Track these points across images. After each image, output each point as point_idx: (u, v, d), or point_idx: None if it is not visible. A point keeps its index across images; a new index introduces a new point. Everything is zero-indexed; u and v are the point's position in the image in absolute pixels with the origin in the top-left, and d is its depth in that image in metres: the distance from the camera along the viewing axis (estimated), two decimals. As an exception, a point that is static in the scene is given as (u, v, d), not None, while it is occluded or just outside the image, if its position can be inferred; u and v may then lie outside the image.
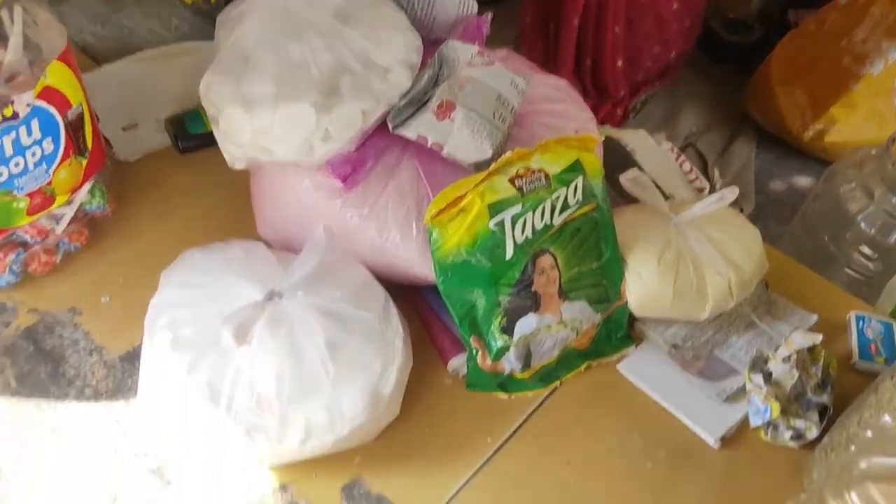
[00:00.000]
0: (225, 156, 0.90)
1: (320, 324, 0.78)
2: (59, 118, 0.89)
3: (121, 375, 0.90)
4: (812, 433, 0.88)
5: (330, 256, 0.81)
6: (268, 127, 0.83)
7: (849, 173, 1.46)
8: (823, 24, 1.93)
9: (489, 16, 1.01)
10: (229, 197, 1.09)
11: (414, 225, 0.88)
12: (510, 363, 0.90)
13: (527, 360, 0.91)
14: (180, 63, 1.27)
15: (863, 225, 1.40)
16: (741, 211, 1.74)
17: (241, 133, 0.85)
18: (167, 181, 1.11)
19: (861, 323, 1.01)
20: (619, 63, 1.85)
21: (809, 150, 2.00)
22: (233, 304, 0.78)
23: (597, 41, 1.79)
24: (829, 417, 0.89)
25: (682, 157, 1.23)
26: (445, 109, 0.87)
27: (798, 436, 0.89)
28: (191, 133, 1.15)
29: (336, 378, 0.78)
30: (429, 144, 0.87)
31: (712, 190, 1.11)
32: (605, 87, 1.88)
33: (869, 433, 0.79)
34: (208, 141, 1.10)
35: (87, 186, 0.98)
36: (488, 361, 0.90)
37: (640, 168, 1.10)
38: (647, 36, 1.83)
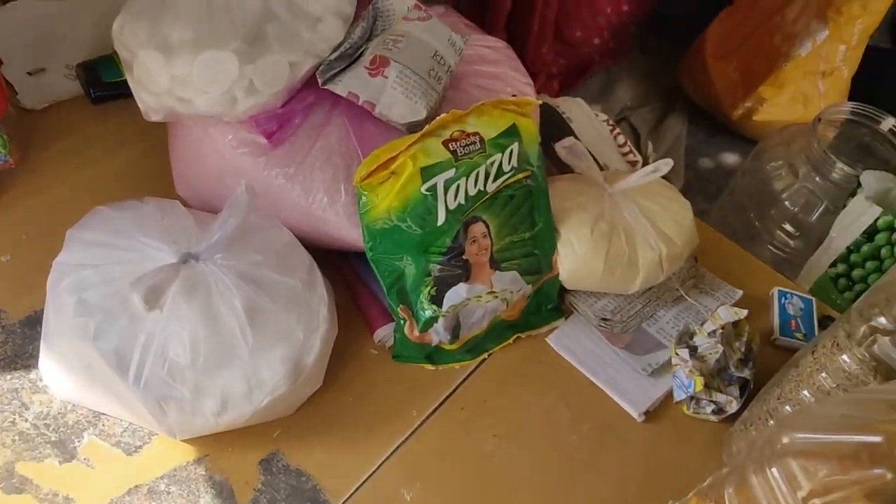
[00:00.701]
0: (140, 105, 0.84)
1: (239, 288, 0.74)
2: (-50, 56, 0.81)
3: (21, 341, 0.84)
4: (732, 407, 0.89)
5: (252, 217, 0.76)
6: (186, 75, 0.78)
7: (776, 151, 1.48)
8: (757, 0, 1.95)
9: (427, -30, 0.97)
10: (145, 152, 1.03)
11: (342, 187, 0.84)
12: (438, 334, 0.88)
13: (455, 332, 0.89)
14: (94, 4, 1.18)
15: (787, 203, 1.43)
16: (670, 185, 1.76)
17: (158, 81, 0.79)
18: (77, 132, 1.04)
19: (783, 299, 1.02)
20: (544, 49, 1.84)
21: (738, 128, 2.04)
22: (145, 265, 0.73)
23: (524, 26, 1.77)
24: (749, 392, 0.91)
25: (617, 130, 1.22)
26: (379, 65, 0.83)
27: (719, 410, 0.90)
28: (105, 81, 1.07)
29: (255, 346, 0.74)
30: (360, 102, 0.83)
31: (645, 164, 1.11)
32: (532, 71, 1.87)
33: (788, 408, 0.80)
34: (123, 91, 1.03)
35: (-15, 134, 0.90)
36: (416, 332, 0.87)
37: (575, 137, 1.09)
38: (579, 22, 1.83)
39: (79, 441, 0.77)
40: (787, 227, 1.46)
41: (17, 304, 0.86)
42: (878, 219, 1.22)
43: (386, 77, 0.83)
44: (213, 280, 0.74)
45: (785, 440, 0.64)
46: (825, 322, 1.02)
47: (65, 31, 1.13)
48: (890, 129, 1.36)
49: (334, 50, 0.85)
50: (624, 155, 1.20)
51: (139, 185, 0.93)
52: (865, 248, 1.25)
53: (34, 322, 0.85)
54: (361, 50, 0.86)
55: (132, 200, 0.82)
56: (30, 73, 1.08)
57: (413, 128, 0.85)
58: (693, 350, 0.90)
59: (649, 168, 0.94)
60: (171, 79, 0.79)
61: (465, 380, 0.90)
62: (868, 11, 1.79)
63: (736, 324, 0.93)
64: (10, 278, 0.88)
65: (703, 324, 0.92)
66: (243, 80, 0.79)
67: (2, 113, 0.93)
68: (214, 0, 0.78)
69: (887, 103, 1.42)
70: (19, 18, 1.14)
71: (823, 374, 0.77)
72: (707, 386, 0.88)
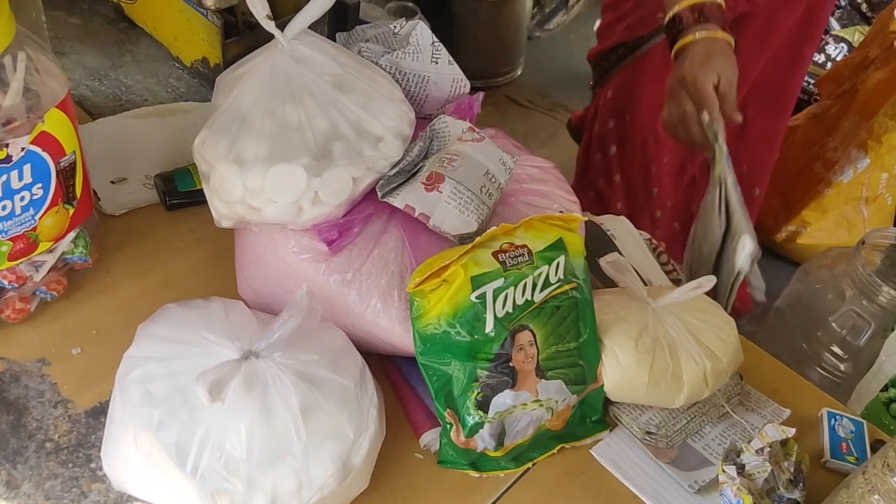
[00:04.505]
0: (213, 213, 0.90)
1: (295, 386, 0.77)
2: (51, 164, 0.89)
3: (84, 430, 0.88)
4: (783, 529, 0.87)
5: (309, 319, 0.80)
6: (259, 186, 0.84)
7: (821, 273, 1.50)
8: (797, 130, 2.01)
9: (481, 95, 1.05)
10: (212, 256, 1.08)
11: (396, 293, 0.88)
12: (484, 441, 0.89)
13: (500, 439, 0.90)
14: (174, 121, 1.29)
15: (834, 325, 1.43)
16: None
17: (232, 190, 0.86)
18: (151, 236, 1.11)
19: (833, 420, 1.01)
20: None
21: (782, 251, 2.05)
22: (209, 360, 0.77)
23: None
24: (800, 514, 0.89)
25: (660, 249, 1.26)
26: (434, 181, 0.89)
27: (769, 531, 0.88)
28: (180, 190, 1.15)
29: (307, 443, 0.76)
30: (416, 214, 0.89)
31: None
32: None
33: (841, 530, 0.79)
34: (196, 199, 1.12)
35: (70, 235, 0.98)
36: (462, 437, 0.88)
37: (619, 253, 1.12)
38: None
39: (132, 531, 0.79)
40: (836, 349, 1.44)
41: (85, 394, 0.90)
42: (928, 343, 1.21)
43: (440, 192, 0.89)
44: (271, 377, 0.77)
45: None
46: (877, 446, 1.00)
47: (146, 145, 1.24)
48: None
49: (394, 166, 0.91)
50: (668, 273, 1.22)
51: (205, 287, 0.98)
52: (917, 372, 1.24)
53: (99, 413, 0.88)
54: (419, 167, 0.93)
55: (199, 299, 0.87)
56: (113, 182, 1.17)
57: (464, 240, 0.89)
58: (741, 468, 0.89)
59: (693, 284, 0.96)
60: (245, 189, 0.86)
61: (508, 488, 0.90)
62: (908, 142, 1.82)
63: (784, 443, 0.92)
64: (79, 370, 0.93)
65: (750, 441, 0.91)
66: (310, 191, 0.86)
67: (87, 216, 1.00)
68: (289, 121, 0.85)
69: (932, 230, 1.44)
70: (107, 133, 1.25)
71: (876, 496, 0.76)
72: (756, 506, 0.87)
